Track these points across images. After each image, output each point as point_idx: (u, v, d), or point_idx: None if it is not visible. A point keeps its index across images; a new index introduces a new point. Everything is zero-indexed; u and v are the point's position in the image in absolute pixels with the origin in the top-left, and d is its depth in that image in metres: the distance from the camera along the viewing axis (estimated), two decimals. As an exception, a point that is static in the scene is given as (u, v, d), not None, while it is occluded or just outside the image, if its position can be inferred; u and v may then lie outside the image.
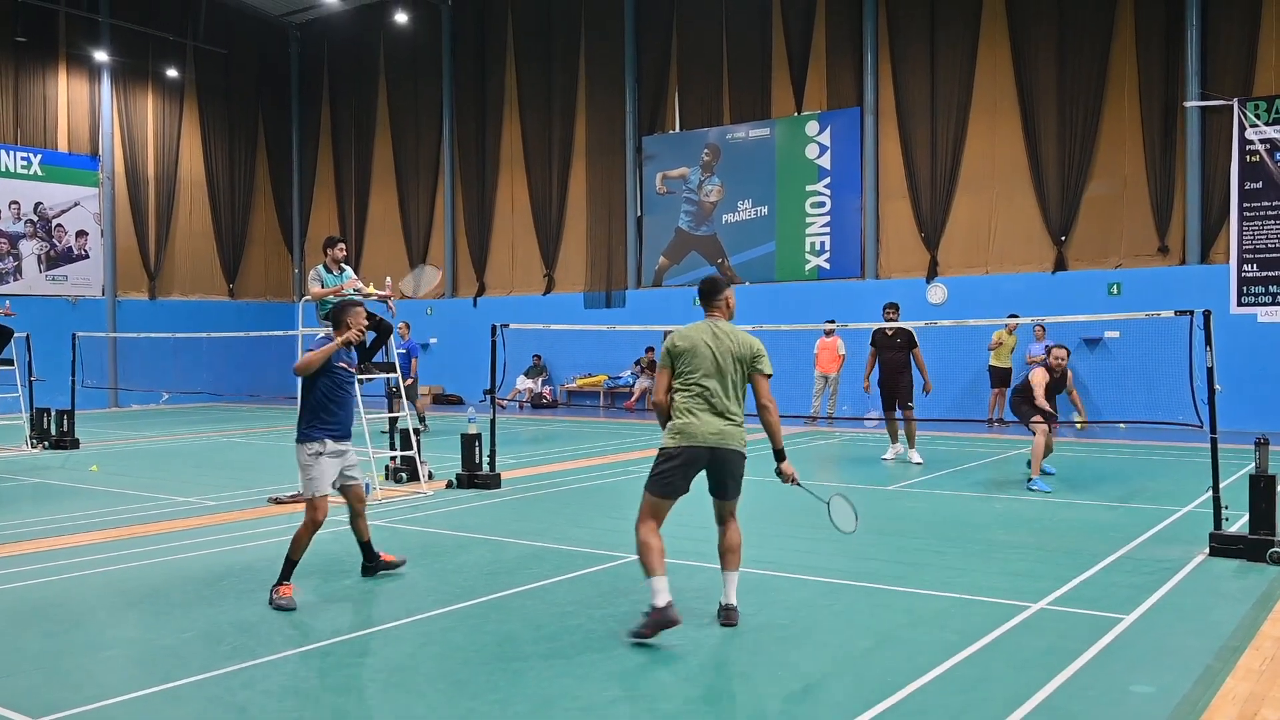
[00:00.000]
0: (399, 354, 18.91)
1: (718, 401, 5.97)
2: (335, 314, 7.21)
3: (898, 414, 13.61)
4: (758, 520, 9.48)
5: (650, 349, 23.26)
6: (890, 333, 13.57)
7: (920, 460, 13.43)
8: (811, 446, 16.01)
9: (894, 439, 13.91)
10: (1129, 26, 18.48)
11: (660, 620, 5.68)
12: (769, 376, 6.12)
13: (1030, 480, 11.18)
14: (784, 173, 22.20)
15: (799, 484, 6.28)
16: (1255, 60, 17.41)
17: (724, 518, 6.25)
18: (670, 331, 6.39)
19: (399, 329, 19.45)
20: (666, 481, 5.98)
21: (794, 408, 19.69)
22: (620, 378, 23.68)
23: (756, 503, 10.49)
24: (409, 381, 18.87)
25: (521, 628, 6.07)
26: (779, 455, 6.20)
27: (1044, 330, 18.16)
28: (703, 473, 6.05)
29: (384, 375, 11.99)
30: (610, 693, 4.99)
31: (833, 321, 17.22)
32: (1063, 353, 11.75)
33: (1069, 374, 11.95)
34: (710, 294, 6.30)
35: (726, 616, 6.10)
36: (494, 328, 12.14)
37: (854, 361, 18.60)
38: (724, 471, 6.03)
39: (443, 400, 26.26)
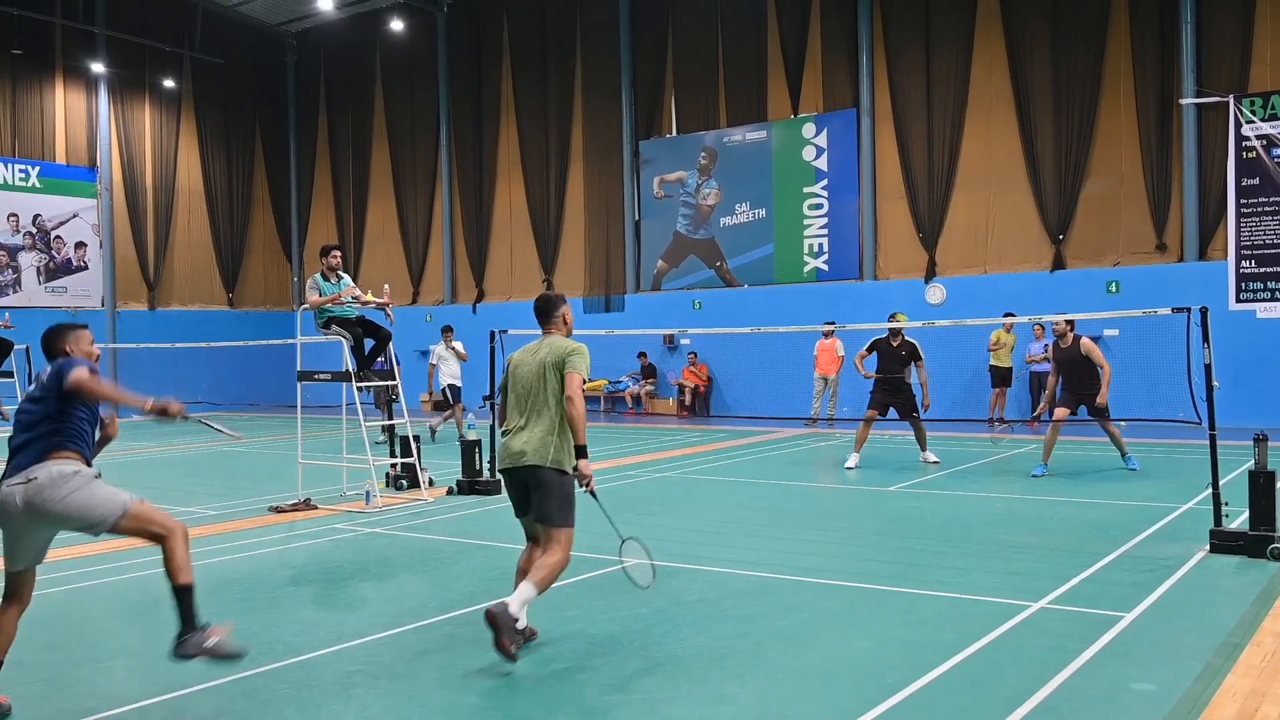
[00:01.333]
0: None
1: (520, 419, 5.78)
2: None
3: (893, 418, 13.35)
4: (757, 523, 9.48)
5: (644, 354, 23.26)
6: (895, 344, 13.19)
7: (937, 459, 13.33)
8: (813, 448, 16.01)
9: (858, 447, 13.28)
10: (1124, 24, 18.50)
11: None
12: (580, 373, 5.77)
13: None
14: (781, 175, 22.21)
15: (594, 495, 5.79)
16: (1250, 56, 17.43)
17: (537, 538, 5.76)
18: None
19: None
20: (512, 504, 5.94)
21: (794, 410, 19.69)
22: (620, 382, 23.67)
23: (755, 505, 10.49)
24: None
25: (522, 633, 6.06)
26: (579, 452, 5.66)
27: (1043, 329, 18.16)
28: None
29: (383, 384, 11.98)
30: (611, 696, 4.99)
31: (832, 323, 17.20)
32: (1062, 323, 11.92)
33: (1082, 346, 11.91)
34: (544, 311, 6.10)
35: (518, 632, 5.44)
36: (493, 334, 12.14)
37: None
38: (529, 490, 5.70)
39: (442, 407, 26.21)
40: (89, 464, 4.96)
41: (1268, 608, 6.22)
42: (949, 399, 19.27)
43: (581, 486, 5.71)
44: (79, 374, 4.85)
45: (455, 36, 27.19)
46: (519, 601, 5.39)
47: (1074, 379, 11.95)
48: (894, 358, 13.18)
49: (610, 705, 4.87)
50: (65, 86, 25.95)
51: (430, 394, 18.39)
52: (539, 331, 6.17)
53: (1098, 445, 14.61)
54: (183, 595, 4.88)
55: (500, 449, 5.87)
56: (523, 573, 5.70)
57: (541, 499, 5.63)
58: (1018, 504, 10.35)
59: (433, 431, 18.54)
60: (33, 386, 5.10)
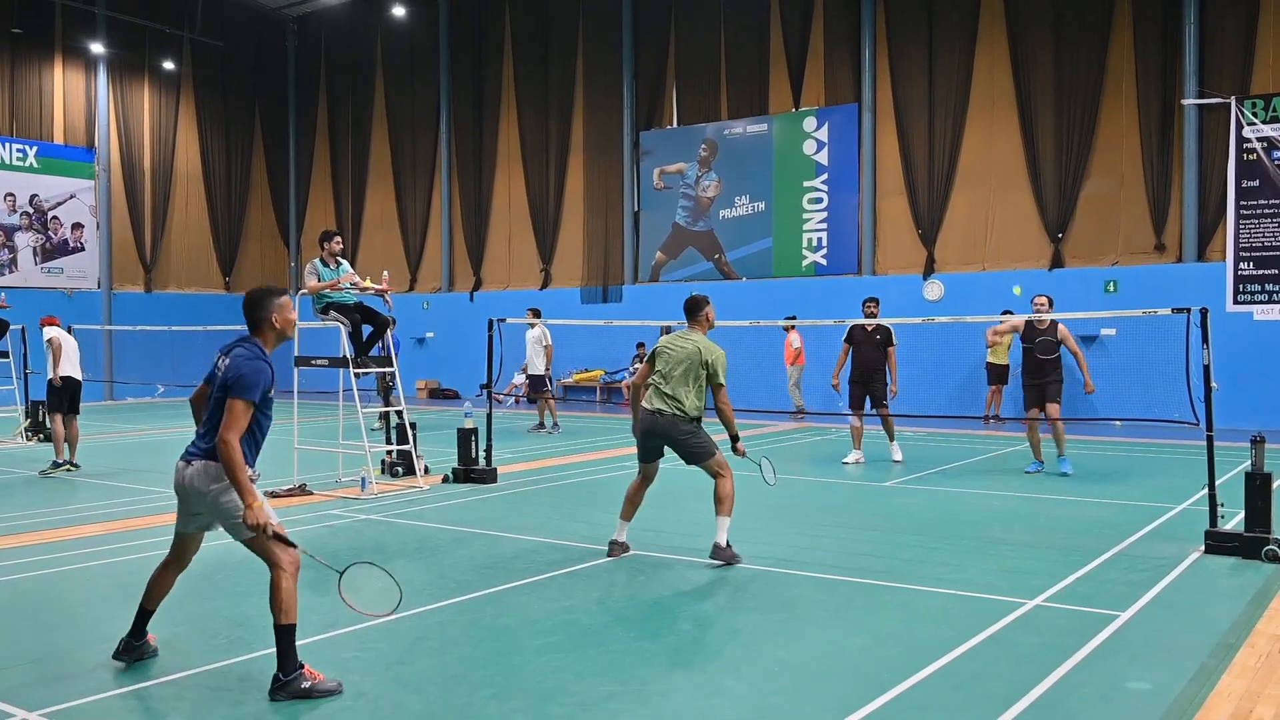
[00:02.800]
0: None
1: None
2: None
3: (868, 411, 13.21)
4: (751, 516, 9.48)
5: (641, 344, 23.24)
6: (870, 328, 13.11)
7: (900, 458, 13.25)
8: (808, 443, 16.00)
9: (857, 443, 13.27)
10: (1127, 24, 18.47)
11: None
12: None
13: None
14: (781, 169, 22.18)
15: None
16: (1253, 58, 17.41)
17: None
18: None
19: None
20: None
21: (790, 404, 19.69)
22: (617, 373, 23.66)
23: (750, 499, 10.49)
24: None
25: (518, 622, 6.07)
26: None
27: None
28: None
29: (380, 370, 11.96)
30: (607, 688, 4.99)
31: (793, 317, 17.27)
32: (1042, 299, 11.77)
33: (1059, 332, 11.74)
34: (690, 311, 7.91)
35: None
36: (491, 322, 12.12)
37: (818, 356, 18.68)
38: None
39: (439, 395, 26.25)
40: (250, 465, 4.96)
41: (1262, 609, 6.23)
42: (945, 396, 19.29)
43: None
44: (230, 440, 4.78)
45: (457, 24, 27.10)
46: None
47: (1039, 367, 11.70)
48: (868, 343, 13.11)
49: (605, 697, 4.87)
50: (64, 67, 25.83)
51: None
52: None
53: (1093, 444, 14.65)
54: (281, 635, 4.83)
55: None
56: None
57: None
58: (1013, 501, 10.36)
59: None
60: (223, 364, 5.00)
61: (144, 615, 5.31)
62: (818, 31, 21.62)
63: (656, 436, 7.61)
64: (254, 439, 5.00)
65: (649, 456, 7.77)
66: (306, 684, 4.80)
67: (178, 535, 5.28)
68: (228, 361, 4.98)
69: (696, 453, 7.59)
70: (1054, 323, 11.76)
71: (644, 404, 7.65)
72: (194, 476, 4.98)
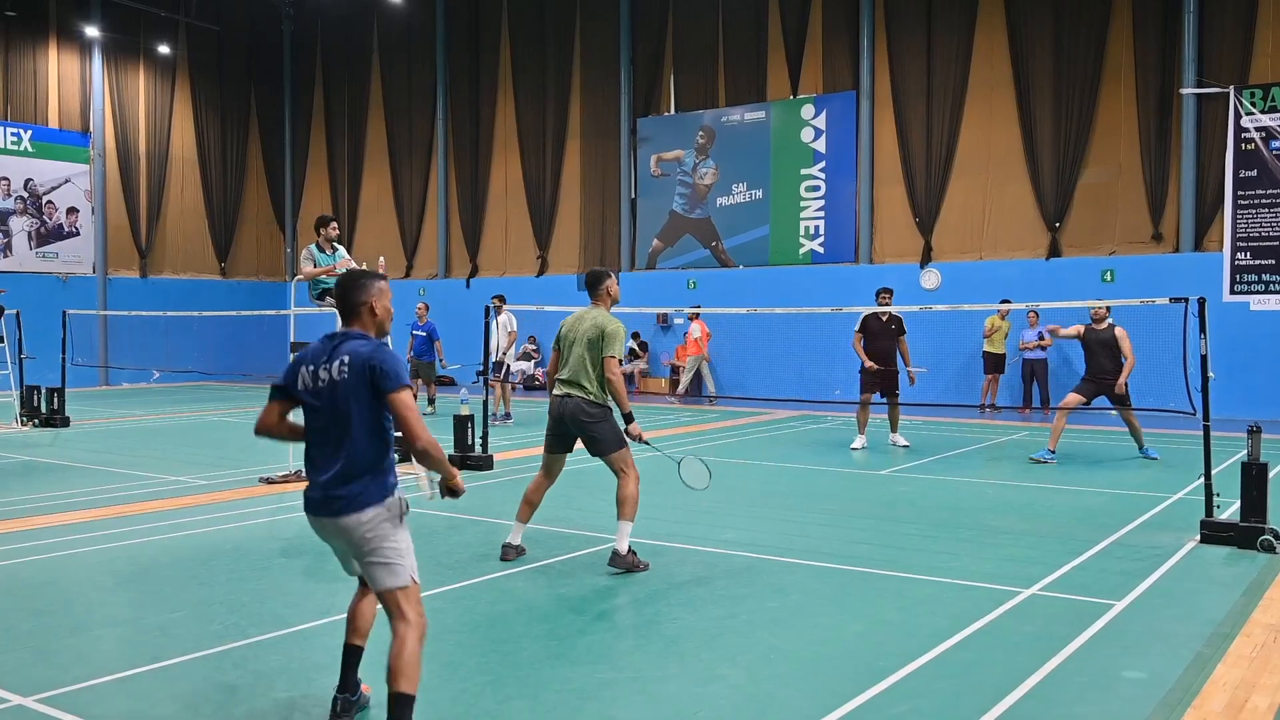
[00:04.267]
0: (418, 336, 18.60)
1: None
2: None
3: (875, 399, 13.36)
4: (749, 503, 9.49)
5: (636, 333, 23.22)
6: (884, 318, 13.34)
7: (907, 443, 13.46)
8: (806, 430, 16.00)
9: (862, 429, 13.44)
10: (1126, 13, 18.42)
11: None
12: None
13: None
14: (779, 156, 22.12)
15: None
16: (1252, 48, 17.37)
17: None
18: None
19: (417, 310, 19.23)
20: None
21: (787, 391, 19.69)
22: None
23: (747, 486, 10.50)
24: (432, 362, 18.66)
25: (514, 609, 6.07)
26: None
27: (1037, 316, 18.16)
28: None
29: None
30: (602, 675, 4.99)
31: (698, 305, 17.53)
32: (1101, 308, 12.01)
33: (1116, 333, 12.01)
34: (591, 285, 7.41)
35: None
36: (487, 309, 12.10)
37: (814, 344, 18.70)
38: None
39: (435, 382, 26.16)
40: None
41: (1258, 599, 6.24)
42: (942, 384, 19.29)
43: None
44: (422, 430, 4.09)
45: (453, 9, 26.97)
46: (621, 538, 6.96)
47: (1098, 365, 11.98)
48: (883, 333, 13.26)
49: (601, 684, 4.87)
50: (59, 50, 25.68)
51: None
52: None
53: (1093, 434, 14.67)
54: (398, 706, 3.93)
55: None
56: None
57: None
58: (1010, 490, 10.37)
59: (431, 402, 18.59)
60: (337, 367, 4.09)
61: (350, 655, 4.45)
62: (816, 18, 21.55)
63: (565, 422, 7.12)
64: (388, 436, 4.24)
65: (557, 445, 7.30)
66: None
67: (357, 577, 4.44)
68: (347, 358, 4.07)
69: (600, 441, 7.05)
70: (1112, 325, 12.07)
71: (555, 390, 7.26)
72: (345, 513, 4.09)
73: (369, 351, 4.07)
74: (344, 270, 11.09)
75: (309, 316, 12.25)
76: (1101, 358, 11.99)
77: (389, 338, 4.63)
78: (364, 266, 11.43)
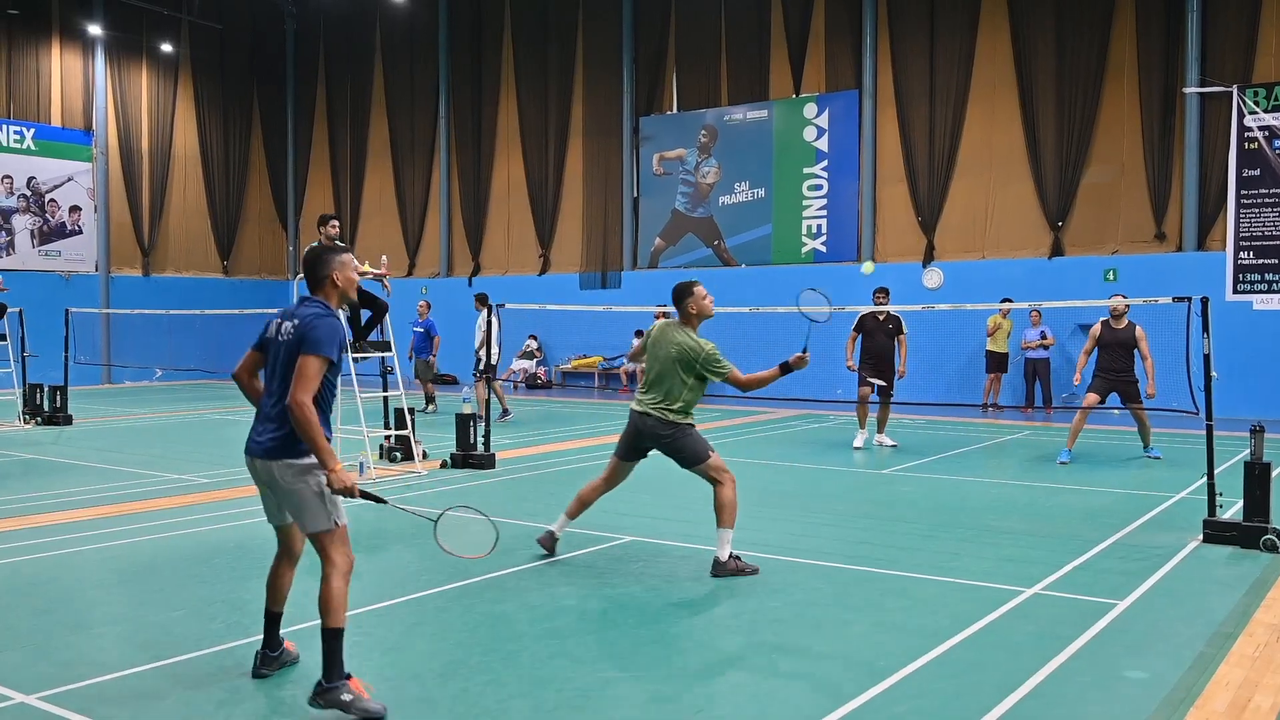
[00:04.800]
0: (417, 332, 18.64)
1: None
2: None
3: (873, 398, 13.39)
4: (750, 503, 9.48)
5: (639, 331, 23.19)
6: (881, 318, 13.37)
7: (894, 443, 13.44)
8: (808, 430, 15.99)
9: (862, 425, 13.50)
10: (1129, 12, 18.39)
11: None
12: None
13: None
14: (781, 155, 22.11)
15: None
16: (1255, 47, 17.34)
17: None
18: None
19: (419, 306, 19.26)
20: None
21: (787, 391, 19.64)
22: (615, 359, 23.63)
23: (749, 485, 10.49)
24: (428, 360, 18.70)
25: (515, 608, 6.06)
26: None
27: (1040, 315, 18.15)
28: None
29: (379, 354, 11.92)
30: (604, 674, 4.98)
31: (665, 305, 17.39)
32: (1120, 304, 11.75)
33: (1137, 332, 11.88)
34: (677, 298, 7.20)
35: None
36: (491, 306, 12.09)
37: (815, 344, 18.66)
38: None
39: (438, 380, 26.16)
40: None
41: (1260, 599, 6.22)
42: (944, 383, 19.28)
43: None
44: (302, 400, 4.40)
45: (456, 7, 26.95)
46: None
47: (1115, 364, 11.86)
48: (880, 331, 13.33)
49: (602, 683, 4.86)
50: (62, 48, 25.69)
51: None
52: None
53: (1094, 434, 14.63)
54: (328, 639, 4.48)
55: None
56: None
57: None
58: (1012, 489, 10.36)
59: (431, 400, 18.58)
60: (287, 325, 4.60)
61: (272, 620, 4.92)
62: (819, 17, 21.53)
63: (645, 438, 7.04)
64: (324, 407, 4.58)
65: (628, 455, 7.21)
66: (348, 696, 4.39)
67: (276, 529, 4.87)
68: (295, 321, 4.58)
69: (684, 456, 6.96)
70: (1131, 323, 11.92)
71: (633, 404, 7.15)
72: (269, 455, 4.56)
73: (308, 318, 4.57)
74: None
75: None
76: (1116, 356, 11.84)
77: (344, 310, 5.00)
78: (366, 265, 11.45)
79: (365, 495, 4.60)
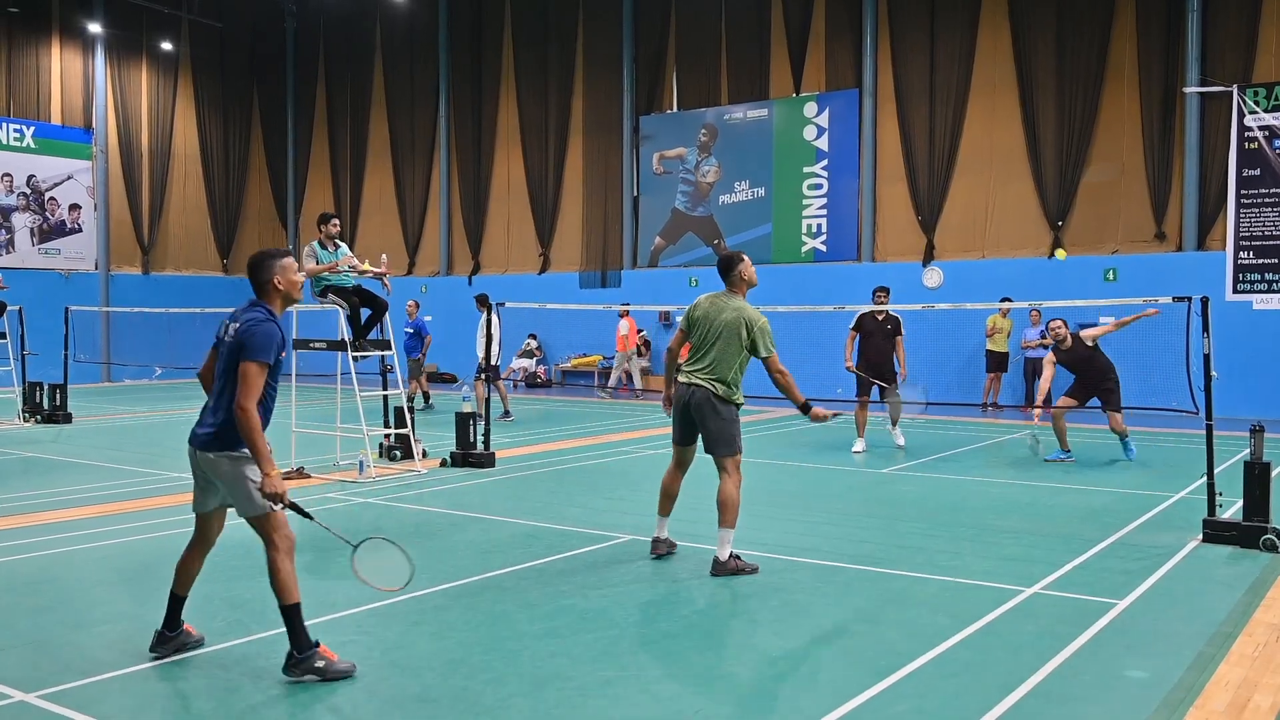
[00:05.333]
0: (407, 333, 18.68)
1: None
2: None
3: (873, 398, 13.23)
4: (751, 502, 9.47)
5: (640, 330, 23.20)
6: (880, 317, 13.22)
7: (902, 442, 13.38)
8: (806, 430, 15.98)
9: (861, 431, 13.25)
10: (1130, 12, 18.38)
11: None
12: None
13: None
14: (781, 154, 22.10)
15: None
16: (1255, 47, 17.33)
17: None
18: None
19: (408, 306, 19.29)
20: None
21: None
22: (615, 357, 23.61)
23: (749, 485, 10.48)
24: (418, 359, 18.71)
25: (515, 607, 6.06)
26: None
27: (1039, 315, 18.15)
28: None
29: (379, 353, 11.92)
30: (605, 673, 4.98)
31: (627, 304, 17.83)
32: (1057, 324, 11.93)
33: (1086, 339, 11.88)
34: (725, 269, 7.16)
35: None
36: (490, 305, 12.09)
37: (816, 343, 18.73)
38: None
39: (437, 379, 26.19)
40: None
41: (1260, 598, 6.23)
42: (944, 383, 19.26)
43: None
44: (247, 406, 4.69)
45: (456, 6, 26.94)
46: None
47: (1088, 377, 11.86)
48: (879, 332, 13.18)
49: (602, 682, 4.86)
50: (62, 46, 25.68)
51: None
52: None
53: (1096, 433, 14.63)
54: (287, 615, 4.81)
55: None
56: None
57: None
58: (1012, 489, 10.36)
59: (427, 397, 18.71)
60: (232, 329, 4.91)
61: (176, 603, 5.15)
62: (819, 16, 21.53)
63: (689, 410, 6.85)
64: (264, 409, 4.83)
65: (686, 437, 7.02)
66: (320, 663, 4.76)
67: (197, 516, 5.15)
68: (237, 324, 4.87)
69: (720, 439, 6.81)
70: (1074, 336, 11.93)
71: (679, 377, 6.93)
72: (207, 448, 4.88)
73: (247, 324, 4.84)
74: (346, 267, 11.11)
75: (311, 313, 12.25)
76: (1088, 372, 11.85)
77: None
78: (365, 263, 11.45)
79: (293, 506, 4.87)
